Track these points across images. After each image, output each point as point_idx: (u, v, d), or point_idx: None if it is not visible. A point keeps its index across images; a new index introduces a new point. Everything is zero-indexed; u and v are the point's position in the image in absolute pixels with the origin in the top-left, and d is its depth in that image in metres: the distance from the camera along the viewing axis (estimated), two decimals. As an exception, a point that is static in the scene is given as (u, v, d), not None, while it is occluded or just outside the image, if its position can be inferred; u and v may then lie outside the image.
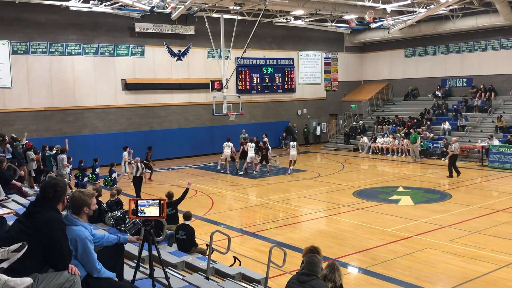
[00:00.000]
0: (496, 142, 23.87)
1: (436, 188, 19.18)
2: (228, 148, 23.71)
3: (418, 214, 14.98)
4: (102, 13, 25.03)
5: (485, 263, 10.48)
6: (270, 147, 24.78)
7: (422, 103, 33.11)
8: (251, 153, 23.17)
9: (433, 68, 33.54)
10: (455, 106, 30.30)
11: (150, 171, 21.98)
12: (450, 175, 21.04)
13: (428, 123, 29.20)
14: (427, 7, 25.10)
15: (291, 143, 24.03)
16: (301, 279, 5.00)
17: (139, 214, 5.04)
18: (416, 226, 13.64)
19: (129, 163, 20.27)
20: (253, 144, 23.56)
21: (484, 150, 24.12)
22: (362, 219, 14.70)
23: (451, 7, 26.71)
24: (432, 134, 28.10)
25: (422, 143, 26.58)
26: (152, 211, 4.96)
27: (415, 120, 30.28)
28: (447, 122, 28.41)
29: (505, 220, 13.95)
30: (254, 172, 23.23)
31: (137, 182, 17.58)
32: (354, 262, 10.91)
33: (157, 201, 4.96)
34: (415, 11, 25.47)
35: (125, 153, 21.34)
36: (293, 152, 23.09)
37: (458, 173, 21.14)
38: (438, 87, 32.86)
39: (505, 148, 23.06)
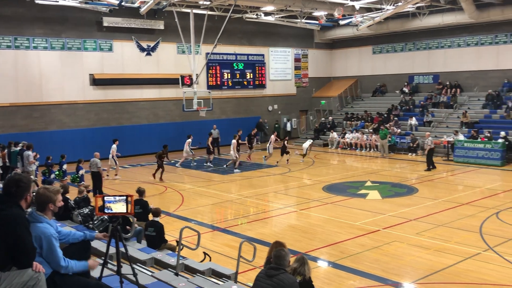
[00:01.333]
0: (461, 137, 24.46)
1: (403, 182, 19.55)
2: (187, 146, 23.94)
3: (386, 208, 15.24)
4: (69, 7, 24.53)
5: (450, 255, 10.75)
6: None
7: (390, 99, 33.65)
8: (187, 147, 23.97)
9: (400, 65, 34.11)
10: (421, 102, 30.91)
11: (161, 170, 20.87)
12: (429, 169, 21.64)
13: (396, 119, 29.71)
14: (395, 5, 25.46)
15: (309, 140, 26.43)
16: (269, 273, 5.04)
17: (106, 211, 4.98)
18: (383, 220, 13.88)
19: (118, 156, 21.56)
20: (190, 141, 24.09)
21: (449, 145, 24.70)
22: (331, 213, 14.88)
23: (418, 5, 27.18)
24: (399, 130, 28.60)
25: (390, 139, 27.02)
26: (118, 207, 4.91)
27: (384, 116, 30.74)
28: (414, 118, 28.96)
29: (470, 213, 14.33)
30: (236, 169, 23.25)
31: (95, 177, 17.31)
32: (323, 256, 11.04)
33: (124, 197, 4.92)
34: (383, 9, 25.83)
35: (114, 146, 21.57)
36: (305, 145, 25.18)
37: (434, 167, 21.75)
38: (406, 84, 33.45)
39: (469, 143, 23.64)
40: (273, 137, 25.56)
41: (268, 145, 25.39)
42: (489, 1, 26.41)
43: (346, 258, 10.77)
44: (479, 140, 23.57)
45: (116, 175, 21.80)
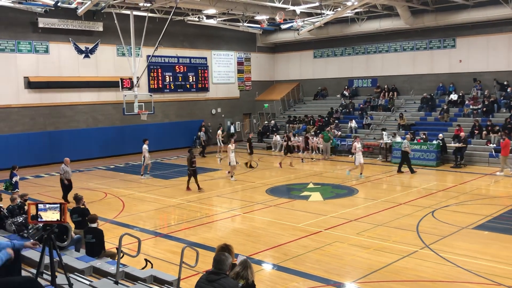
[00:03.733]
0: (398, 139, 25.29)
1: (344, 184, 19.99)
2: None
3: (327, 209, 15.52)
4: (2, 7, 23.46)
5: (389, 254, 11.07)
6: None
7: (331, 102, 34.37)
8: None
9: (340, 69, 34.94)
10: (361, 105, 31.78)
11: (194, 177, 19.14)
12: (400, 171, 22.08)
13: (336, 121, 30.37)
14: (334, 10, 26.07)
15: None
16: (210, 278, 4.98)
17: (39, 219, 4.76)
18: (325, 221, 14.12)
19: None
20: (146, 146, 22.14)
21: (387, 146, 25.51)
22: (274, 215, 14.99)
23: (356, 10, 27.97)
24: (340, 132, 29.26)
25: (331, 141, 27.57)
26: (50, 215, 4.70)
27: (325, 119, 31.34)
28: (353, 121, 29.72)
29: (407, 213, 14.83)
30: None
31: (66, 185, 17.13)
32: (267, 259, 11.08)
33: (57, 205, 4.72)
34: (323, 13, 26.37)
35: (145, 146, 21.73)
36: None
37: (412, 171, 21.76)
38: (346, 87, 34.29)
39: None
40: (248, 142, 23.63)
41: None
42: (423, 8, 27.55)
43: (289, 260, 10.86)
44: (415, 141, 24.46)
45: (142, 174, 22.04)
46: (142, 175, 22.08)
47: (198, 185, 18.90)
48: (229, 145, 21.19)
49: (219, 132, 30.36)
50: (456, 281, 9.51)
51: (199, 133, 31.44)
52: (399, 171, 22.10)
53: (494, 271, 9.87)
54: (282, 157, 25.14)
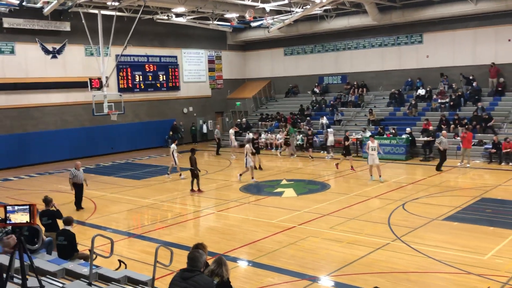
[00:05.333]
0: (368, 134, 25.64)
1: (317, 179, 20.16)
2: None
3: (301, 205, 15.64)
4: (-37, 6, 22.84)
5: (362, 247, 11.23)
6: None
7: (302, 99, 34.60)
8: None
9: (311, 66, 35.18)
10: (331, 102, 32.08)
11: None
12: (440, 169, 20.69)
13: (308, 118, 30.57)
14: (303, 7, 26.23)
15: (329, 129, 26.64)
16: (184, 276, 4.97)
17: (8, 222, 4.67)
18: (299, 216, 14.23)
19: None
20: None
21: (358, 142, 25.84)
22: (249, 213, 15.03)
23: (325, 8, 28.20)
24: (311, 129, 29.41)
25: (303, 138, 27.73)
26: (19, 217, 4.61)
27: (296, 116, 31.52)
28: (324, 117, 29.99)
29: (378, 206, 15.08)
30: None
31: (79, 189, 16.28)
32: (242, 256, 11.11)
33: (27, 206, 4.63)
34: (292, 11, 26.50)
35: (173, 146, 21.73)
36: (331, 137, 25.64)
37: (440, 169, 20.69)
38: (316, 84, 34.56)
39: (376, 140, 24.78)
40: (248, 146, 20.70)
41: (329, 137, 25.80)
42: (390, 5, 27.97)
43: (264, 256, 10.91)
44: (385, 136, 24.85)
45: (180, 174, 21.59)
46: (180, 174, 21.59)
47: (198, 186, 18.41)
48: (247, 145, 20.32)
49: (232, 131, 29.40)
50: (428, 271, 9.72)
51: (215, 131, 30.70)
52: (438, 169, 20.54)
53: (464, 260, 10.12)
54: (342, 160, 22.16)
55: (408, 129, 24.38)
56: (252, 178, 20.00)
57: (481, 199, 15.47)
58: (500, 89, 26.26)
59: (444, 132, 22.00)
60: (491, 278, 9.12)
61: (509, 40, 26.65)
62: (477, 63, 27.64)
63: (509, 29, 26.49)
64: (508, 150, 21.51)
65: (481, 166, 21.45)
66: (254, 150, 22.08)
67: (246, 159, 19.78)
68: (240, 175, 20.32)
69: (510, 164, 21.36)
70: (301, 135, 28.11)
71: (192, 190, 18.37)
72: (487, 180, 18.84)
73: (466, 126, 23.57)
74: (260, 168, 22.82)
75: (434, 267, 9.90)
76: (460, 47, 28.33)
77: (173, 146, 21.78)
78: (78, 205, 16.21)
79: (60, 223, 10.27)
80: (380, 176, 18.93)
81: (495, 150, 21.96)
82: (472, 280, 9.14)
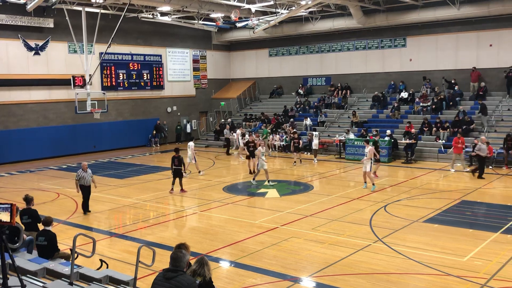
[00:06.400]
0: (351, 136, 25.86)
1: (300, 180, 20.26)
2: None
3: (284, 205, 15.70)
4: None
5: (343, 248, 11.33)
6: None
7: (286, 100, 34.71)
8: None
9: (295, 67, 35.32)
10: (315, 103, 32.25)
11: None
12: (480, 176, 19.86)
13: (292, 119, 30.69)
14: (289, 9, 26.33)
15: (314, 132, 26.16)
16: (167, 276, 4.98)
17: (-11, 220, 4.63)
18: (281, 217, 14.29)
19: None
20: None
21: (341, 143, 26.02)
22: (231, 213, 15.04)
23: (310, 9, 28.35)
24: (296, 131, 29.52)
25: (287, 138, 27.83)
26: (1, 216, 4.58)
27: (280, 117, 31.62)
28: (308, 118, 30.13)
29: (360, 208, 15.21)
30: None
31: (87, 191, 15.47)
32: (224, 256, 11.12)
33: (8, 205, 4.60)
34: (278, 12, 26.59)
35: (191, 143, 22.17)
36: (316, 141, 25.11)
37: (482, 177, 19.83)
38: (301, 85, 34.70)
39: (359, 141, 25.04)
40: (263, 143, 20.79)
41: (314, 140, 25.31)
42: (375, 8, 28.23)
43: (246, 256, 10.94)
44: (367, 138, 25.02)
45: (200, 171, 21.99)
46: (199, 171, 21.91)
47: (181, 186, 18.26)
48: (259, 148, 19.48)
49: (239, 131, 28.53)
50: (408, 272, 9.85)
51: (224, 131, 30.86)
52: (480, 177, 19.70)
53: (443, 262, 10.27)
54: (376, 165, 20.23)
55: (388, 132, 24.61)
56: (268, 180, 19.10)
57: (461, 202, 15.72)
58: (481, 93, 26.66)
59: (483, 137, 21.14)
60: (470, 280, 9.28)
61: (491, 45, 27.08)
62: (459, 67, 28.05)
63: (490, 34, 26.93)
64: (488, 153, 21.54)
65: (461, 169, 21.75)
66: (249, 153, 21.93)
67: (259, 161, 19.12)
68: (254, 179, 19.71)
69: (490, 167, 21.69)
70: (285, 136, 28.21)
71: (172, 190, 18.25)
72: (468, 183, 19.12)
73: (459, 131, 23.52)
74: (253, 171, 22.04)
75: (414, 268, 10.03)
76: (442, 51, 28.70)
77: (192, 144, 22.13)
78: (85, 208, 15.45)
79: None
80: (365, 182, 18.20)
81: (475, 153, 22.16)
82: (451, 281, 9.29)
